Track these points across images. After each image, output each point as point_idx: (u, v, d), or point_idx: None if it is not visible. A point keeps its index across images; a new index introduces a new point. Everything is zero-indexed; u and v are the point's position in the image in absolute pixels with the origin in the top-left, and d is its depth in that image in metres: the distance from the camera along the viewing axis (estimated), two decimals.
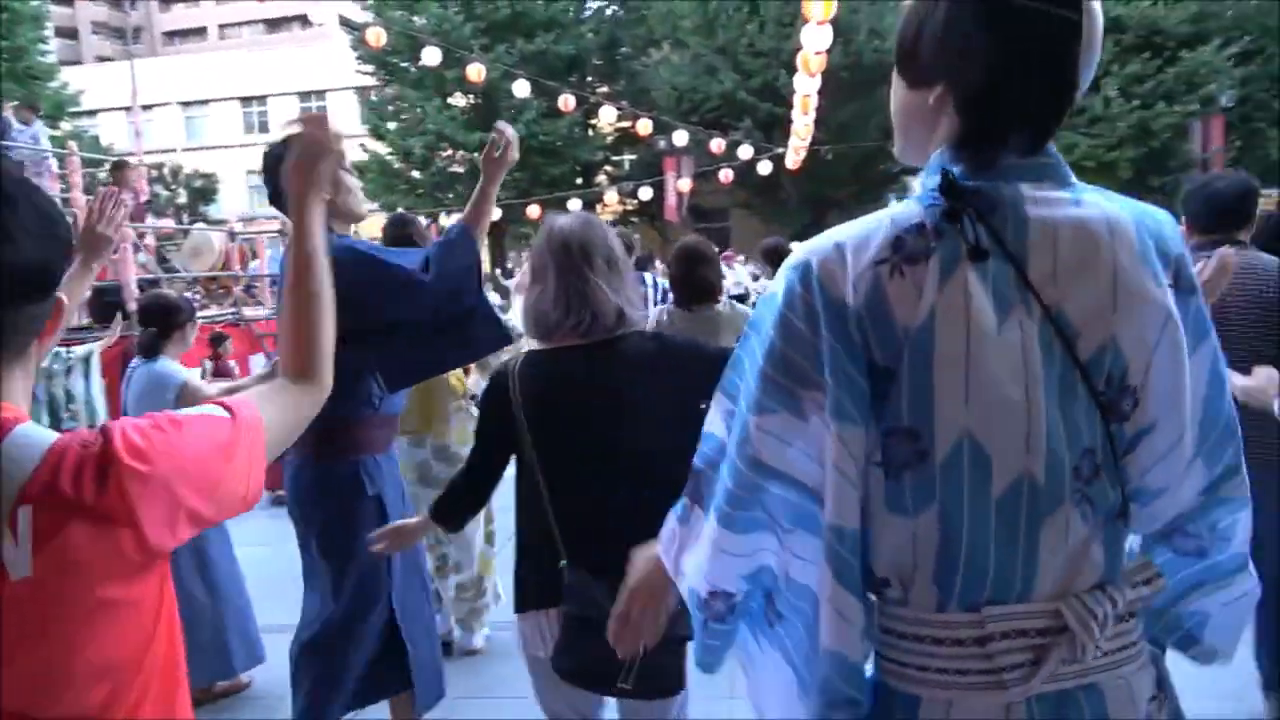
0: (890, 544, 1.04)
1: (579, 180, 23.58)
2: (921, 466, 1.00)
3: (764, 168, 18.02)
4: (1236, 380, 2.72)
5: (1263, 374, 2.46)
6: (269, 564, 4.95)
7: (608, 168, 25.65)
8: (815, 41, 10.01)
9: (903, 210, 1.04)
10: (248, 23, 48.06)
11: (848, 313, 1.01)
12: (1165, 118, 18.83)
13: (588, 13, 24.57)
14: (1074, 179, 1.07)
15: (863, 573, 1.05)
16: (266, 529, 4.80)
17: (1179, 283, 1.05)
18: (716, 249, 4.24)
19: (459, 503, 2.16)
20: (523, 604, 2.01)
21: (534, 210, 19.04)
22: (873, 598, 1.09)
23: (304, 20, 44.43)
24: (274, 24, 47.56)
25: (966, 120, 1.04)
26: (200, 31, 49.95)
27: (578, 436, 1.92)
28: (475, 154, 22.68)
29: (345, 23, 22.83)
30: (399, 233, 3.72)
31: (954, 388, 0.98)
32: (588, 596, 1.81)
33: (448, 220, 21.46)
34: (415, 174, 23.85)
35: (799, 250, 1.07)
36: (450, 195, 23.36)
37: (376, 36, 12.88)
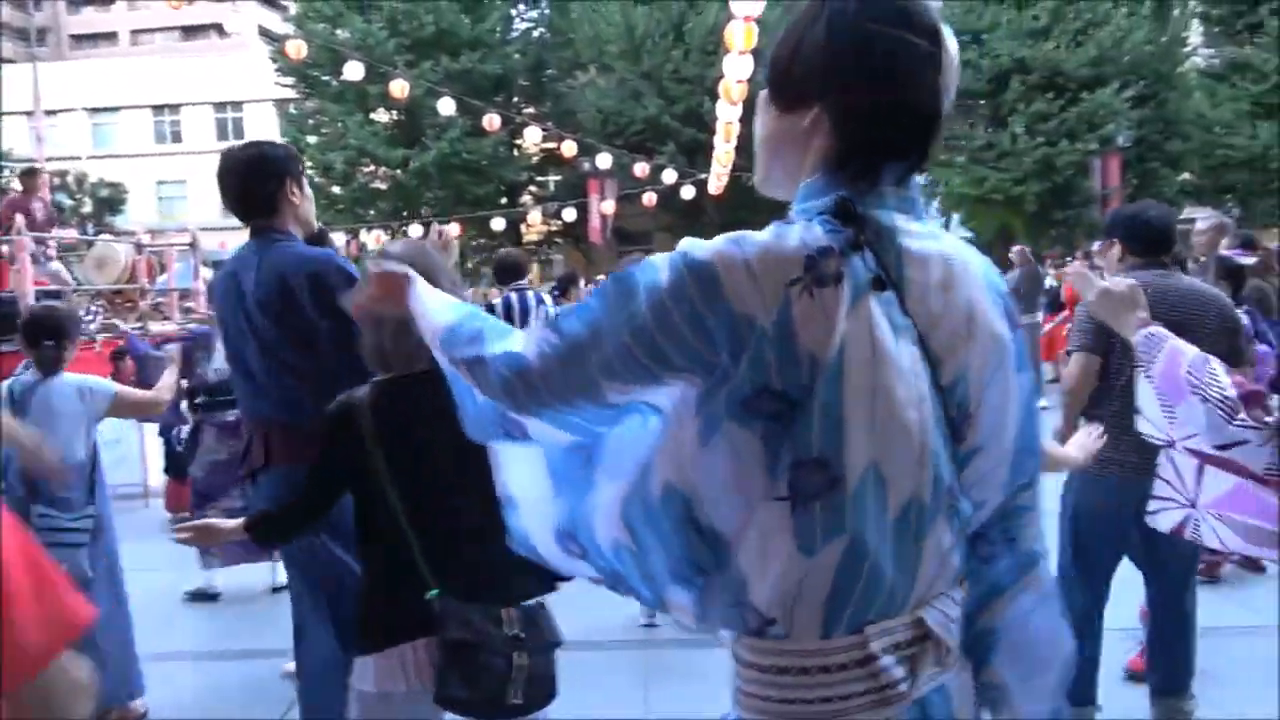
0: (786, 580, 1.01)
1: (503, 200, 23.49)
2: (832, 495, 0.99)
3: (687, 192, 18.26)
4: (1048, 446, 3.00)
5: (1075, 441, 2.66)
6: (171, 589, 4.78)
7: (532, 188, 25.63)
8: (737, 70, 10.23)
9: (807, 231, 1.01)
10: (161, 29, 46.63)
11: (754, 330, 0.97)
12: (1068, 155, 19.76)
13: (515, 33, 24.61)
14: (928, 217, 1.12)
15: (737, 609, 1.03)
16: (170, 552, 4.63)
17: (1010, 320, 1.12)
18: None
19: (283, 525, 2.08)
20: (383, 638, 1.90)
21: (454, 228, 18.88)
22: (742, 643, 1.06)
23: (220, 29, 43.37)
24: (189, 31, 46.25)
25: (842, 142, 1.05)
26: (110, 36, 48.29)
27: (439, 465, 1.89)
28: (398, 170, 22.44)
29: (265, 33, 22.45)
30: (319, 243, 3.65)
31: (864, 416, 0.98)
32: (466, 622, 1.80)
33: (368, 237, 21.14)
34: (335, 189, 23.43)
35: (700, 249, 1.01)
36: (371, 212, 23.02)
37: (297, 49, 12.67)
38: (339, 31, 21.77)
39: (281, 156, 2.74)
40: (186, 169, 31.06)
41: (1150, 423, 1.62)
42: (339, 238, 23.91)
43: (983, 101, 21.04)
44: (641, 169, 17.10)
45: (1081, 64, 19.64)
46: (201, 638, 4.44)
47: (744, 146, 17.54)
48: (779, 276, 0.97)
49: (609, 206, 19.61)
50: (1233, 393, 1.37)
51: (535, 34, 25.06)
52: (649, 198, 18.51)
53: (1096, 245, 3.54)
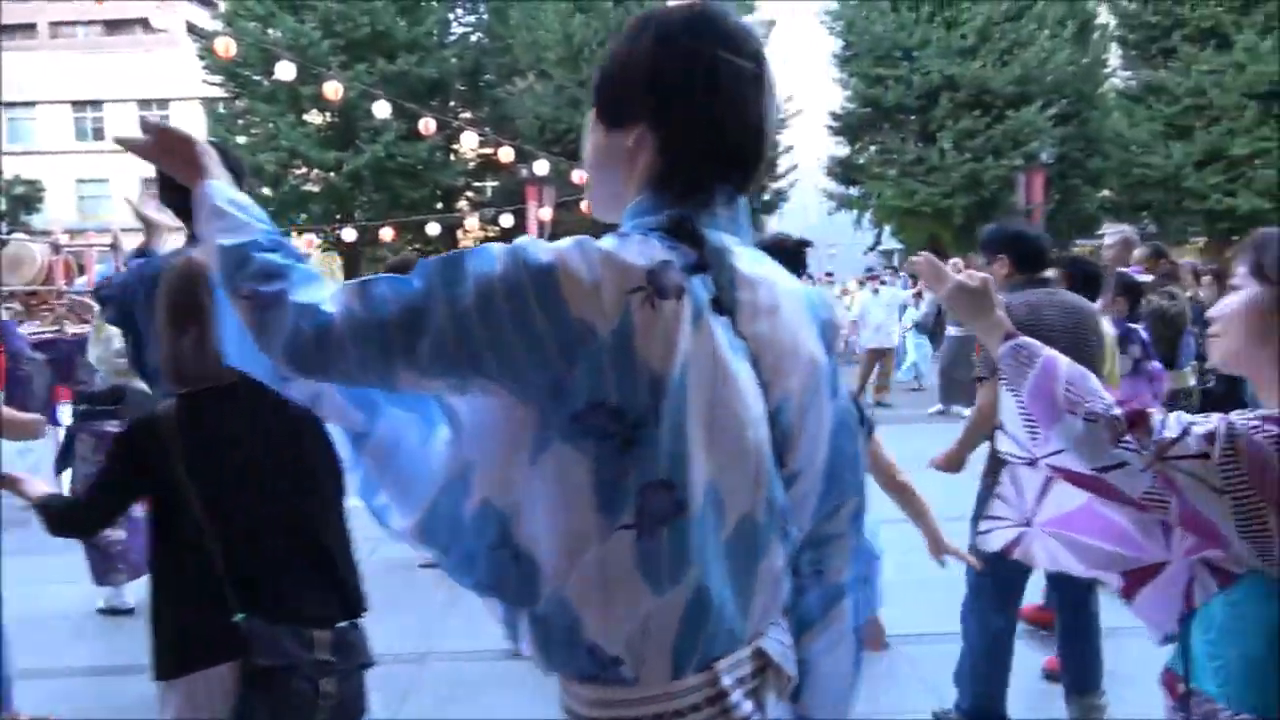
0: (632, 617, 0.96)
1: (439, 205, 23.24)
2: (678, 520, 0.95)
3: (744, 202, 18.29)
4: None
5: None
6: (86, 603, 4.61)
7: (469, 193, 25.40)
8: None
9: (646, 244, 0.98)
10: (84, 22, 45.08)
11: (592, 338, 0.93)
12: (994, 170, 20.34)
13: (452, 37, 24.38)
14: (753, 242, 1.12)
15: (571, 651, 0.98)
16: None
17: (828, 345, 1.14)
18: None
19: (65, 522, 1.96)
20: (184, 662, 1.76)
21: (388, 233, 18.63)
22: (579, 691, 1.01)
23: (146, 24, 42.09)
24: (113, 26, 44.79)
25: (667, 161, 1.04)
26: (29, 28, 46.46)
27: (248, 484, 1.82)
28: (331, 173, 22.04)
29: (193, 30, 21.83)
30: None
31: (705, 435, 0.97)
32: (274, 646, 1.74)
33: (298, 240, 20.71)
34: (265, 191, 22.90)
35: (541, 249, 0.96)
36: (302, 215, 22.56)
37: (226, 47, 12.37)
38: (271, 31, 21.31)
39: (237, 159, 2.68)
40: (109, 167, 30.07)
41: (1012, 439, 1.51)
42: None
43: (913, 117, 21.55)
44: (580, 176, 17.07)
45: (1007, 83, 20.24)
46: (113, 652, 4.29)
47: None
48: (621, 284, 0.94)
49: (547, 213, 19.54)
50: (1118, 411, 1.29)
51: (473, 38, 24.86)
52: (586, 205, 18.50)
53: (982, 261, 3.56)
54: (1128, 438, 1.25)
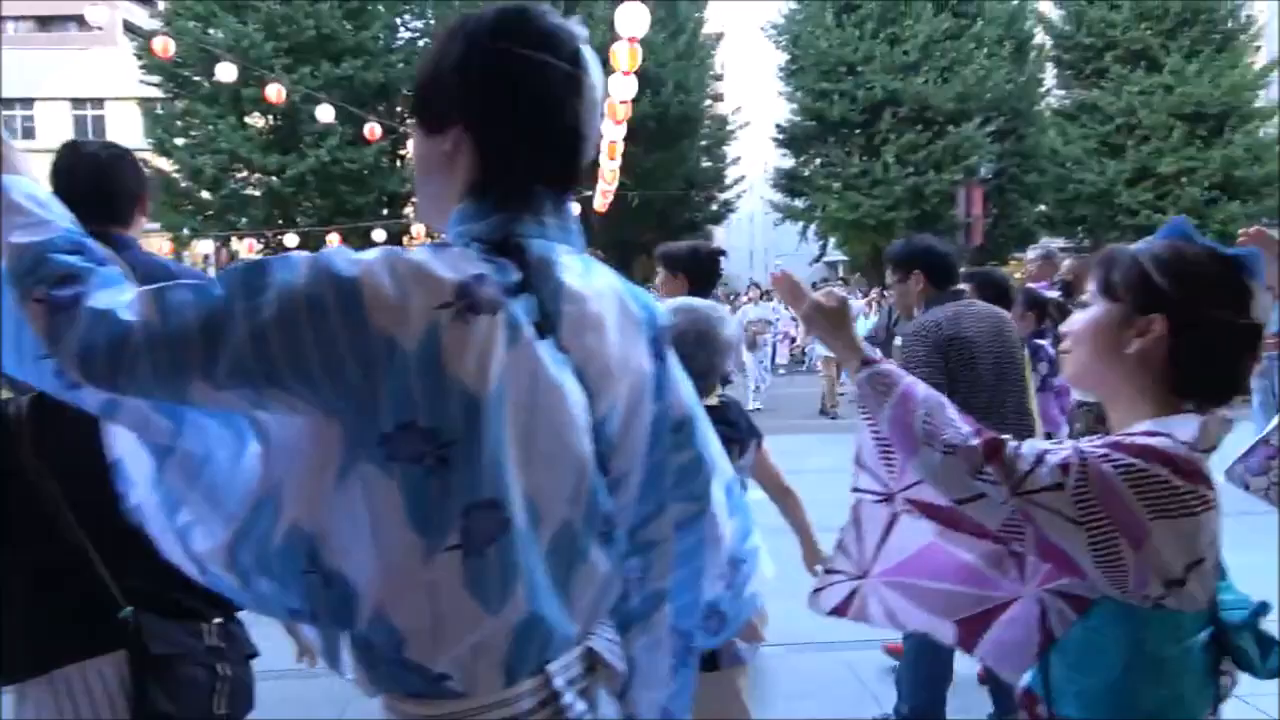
0: (464, 637, 0.95)
1: (385, 211, 22.98)
2: (504, 537, 0.94)
3: (573, 208, 18.29)
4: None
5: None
6: None
7: (415, 200, 25.14)
8: (621, 90, 10.34)
9: (463, 256, 0.97)
10: (14, 18, 43.69)
11: (395, 354, 0.90)
12: (935, 184, 20.80)
13: (399, 42, 24.17)
14: (584, 248, 1.11)
15: (396, 671, 0.97)
16: None
17: (656, 351, 1.13)
18: None
19: None
20: (53, 657, 1.63)
21: (334, 239, 18.38)
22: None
23: (81, 21, 40.90)
24: (45, 22, 43.48)
25: (484, 166, 1.03)
26: None
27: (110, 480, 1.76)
28: (273, 177, 21.65)
29: (130, 29, 21.31)
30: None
31: (525, 448, 0.95)
32: (169, 636, 1.68)
33: (239, 245, 20.31)
34: (204, 194, 22.41)
35: (347, 262, 0.92)
36: (243, 219, 22.12)
37: (164, 46, 12.11)
38: (211, 31, 20.89)
39: (139, 163, 2.63)
40: (40, 168, 29.09)
41: (869, 473, 1.42)
42: (207, 245, 22.92)
43: (857, 131, 21.93)
44: None
45: (948, 99, 20.72)
46: None
47: (630, 166, 17.76)
48: (428, 299, 0.91)
49: None
50: (976, 442, 1.22)
51: (420, 44, 24.68)
52: (421, 212, 18.45)
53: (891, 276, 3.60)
54: (986, 469, 1.20)
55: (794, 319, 15.37)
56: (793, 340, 16.57)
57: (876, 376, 1.33)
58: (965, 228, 18.11)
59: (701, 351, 2.34)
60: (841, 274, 24.07)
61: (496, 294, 0.94)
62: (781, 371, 16.35)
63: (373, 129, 14.82)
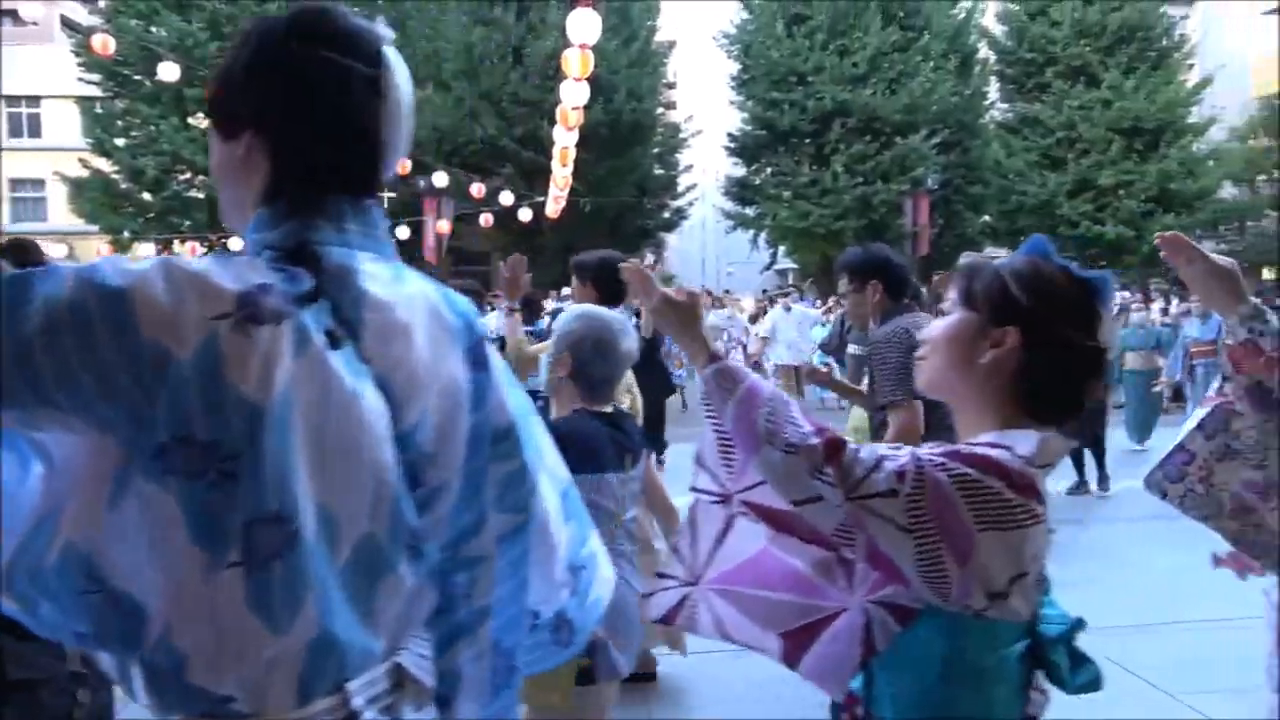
0: (250, 657, 0.91)
1: None
2: (291, 552, 0.91)
3: (525, 214, 18.24)
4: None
5: None
6: None
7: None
8: (573, 96, 10.35)
9: (250, 265, 0.94)
10: None
11: (169, 366, 0.87)
12: (883, 194, 21.13)
13: None
14: (395, 255, 1.08)
15: (183, 693, 0.93)
16: None
17: (474, 360, 1.09)
18: (484, 290, 4.29)
19: None
20: None
21: None
22: None
23: (16, 16, 39.70)
24: None
25: (276, 171, 1.00)
26: None
27: None
28: None
29: (68, 25, 20.74)
30: (21, 260, 3.32)
31: (315, 460, 0.92)
32: (28, 660, 1.66)
33: (181, 248, 19.83)
34: (146, 196, 21.87)
35: (117, 272, 0.89)
36: (186, 222, 21.64)
37: (104, 44, 11.82)
38: (154, 29, 20.43)
39: None
40: None
41: (708, 473, 1.39)
42: (148, 248, 22.34)
43: (807, 141, 22.20)
44: (478, 189, 16.97)
45: (895, 111, 21.07)
46: None
47: (582, 173, 17.76)
48: (204, 309, 0.88)
49: (445, 226, 19.30)
50: (816, 441, 1.20)
51: None
52: (486, 219, 18.37)
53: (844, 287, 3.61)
54: (826, 469, 1.19)
55: (746, 327, 15.48)
56: (744, 346, 16.68)
57: (722, 373, 1.31)
58: (912, 237, 18.46)
59: (598, 359, 2.35)
60: (793, 281, 24.29)
61: (282, 304, 0.91)
62: None
63: None
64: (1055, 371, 1.27)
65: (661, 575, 1.48)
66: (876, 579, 1.26)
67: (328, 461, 0.93)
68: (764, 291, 24.65)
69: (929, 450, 1.23)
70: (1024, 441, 1.22)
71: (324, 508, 0.94)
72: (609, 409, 2.45)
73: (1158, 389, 9.26)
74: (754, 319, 18.00)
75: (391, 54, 1.04)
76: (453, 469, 1.05)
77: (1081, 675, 1.27)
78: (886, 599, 1.24)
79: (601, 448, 2.32)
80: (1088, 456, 7.42)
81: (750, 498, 1.35)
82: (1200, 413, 1.70)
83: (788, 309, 12.54)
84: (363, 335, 0.98)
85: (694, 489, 1.42)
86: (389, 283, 1.02)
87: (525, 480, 1.15)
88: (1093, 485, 7.47)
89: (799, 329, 12.19)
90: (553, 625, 1.23)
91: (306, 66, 0.99)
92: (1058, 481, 7.74)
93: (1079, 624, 1.27)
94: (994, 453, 1.21)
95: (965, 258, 1.42)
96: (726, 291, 20.16)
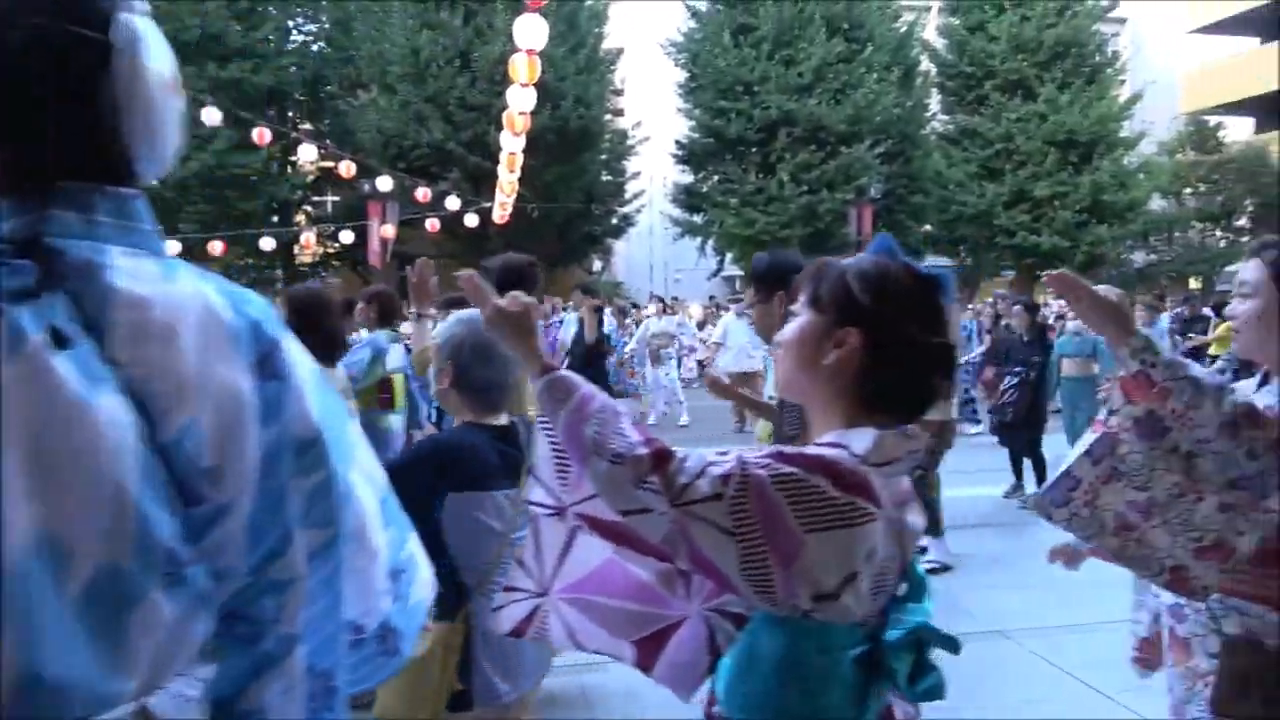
0: None
1: (275, 218, 22.26)
2: None
3: (471, 220, 18.11)
4: None
5: None
6: None
7: (307, 207, 24.46)
8: (520, 102, 10.29)
9: None
10: None
11: None
12: (828, 203, 21.42)
13: (291, 45, 23.49)
14: (167, 252, 1.02)
15: None
16: None
17: (265, 368, 0.99)
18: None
19: None
20: None
21: (218, 246, 17.69)
22: None
23: None
24: None
25: (5, 155, 0.93)
26: None
27: None
28: (155, 181, 20.68)
29: None
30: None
31: (32, 479, 0.84)
32: None
33: None
34: None
35: None
36: None
37: None
38: None
39: None
40: None
41: (542, 487, 1.36)
42: None
43: (754, 149, 22.41)
44: (424, 194, 16.80)
45: (840, 121, 21.39)
46: None
47: (530, 179, 17.69)
48: None
49: (389, 230, 19.06)
50: (643, 451, 1.20)
51: (314, 48, 24.04)
52: (432, 223, 18.19)
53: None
54: (651, 479, 1.18)
55: (694, 334, 15.55)
56: (693, 351, 16.74)
57: (555, 384, 1.30)
58: (856, 245, 18.71)
59: (478, 363, 2.23)
60: (739, 288, 24.50)
61: None
62: (695, 385, 16.52)
63: (261, 132, 14.36)
64: (898, 369, 1.27)
65: (510, 589, 1.45)
66: (711, 588, 1.26)
67: (53, 480, 0.84)
68: (711, 298, 24.79)
69: (754, 453, 1.22)
70: (860, 439, 1.22)
71: (51, 534, 0.83)
72: (502, 421, 2.30)
73: (1101, 396, 9.49)
74: (701, 325, 18.13)
75: (133, 21, 0.95)
76: (241, 487, 0.96)
77: (923, 683, 1.26)
78: (721, 606, 1.25)
79: (485, 463, 2.18)
80: (1026, 461, 7.60)
81: (583, 510, 1.32)
82: (1089, 438, 1.71)
83: (740, 315, 12.64)
84: (109, 336, 0.89)
85: (528, 502, 1.40)
86: (152, 280, 0.94)
87: (333, 490, 1.05)
88: (1030, 490, 7.65)
89: (750, 335, 12.29)
90: (379, 636, 1.15)
91: (16, 37, 0.90)
92: (997, 485, 7.92)
93: (922, 628, 1.26)
94: (828, 452, 1.20)
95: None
96: (675, 298, 20.24)
